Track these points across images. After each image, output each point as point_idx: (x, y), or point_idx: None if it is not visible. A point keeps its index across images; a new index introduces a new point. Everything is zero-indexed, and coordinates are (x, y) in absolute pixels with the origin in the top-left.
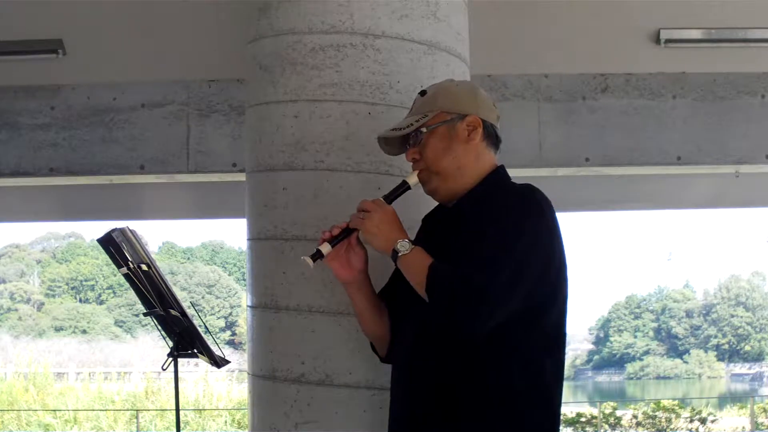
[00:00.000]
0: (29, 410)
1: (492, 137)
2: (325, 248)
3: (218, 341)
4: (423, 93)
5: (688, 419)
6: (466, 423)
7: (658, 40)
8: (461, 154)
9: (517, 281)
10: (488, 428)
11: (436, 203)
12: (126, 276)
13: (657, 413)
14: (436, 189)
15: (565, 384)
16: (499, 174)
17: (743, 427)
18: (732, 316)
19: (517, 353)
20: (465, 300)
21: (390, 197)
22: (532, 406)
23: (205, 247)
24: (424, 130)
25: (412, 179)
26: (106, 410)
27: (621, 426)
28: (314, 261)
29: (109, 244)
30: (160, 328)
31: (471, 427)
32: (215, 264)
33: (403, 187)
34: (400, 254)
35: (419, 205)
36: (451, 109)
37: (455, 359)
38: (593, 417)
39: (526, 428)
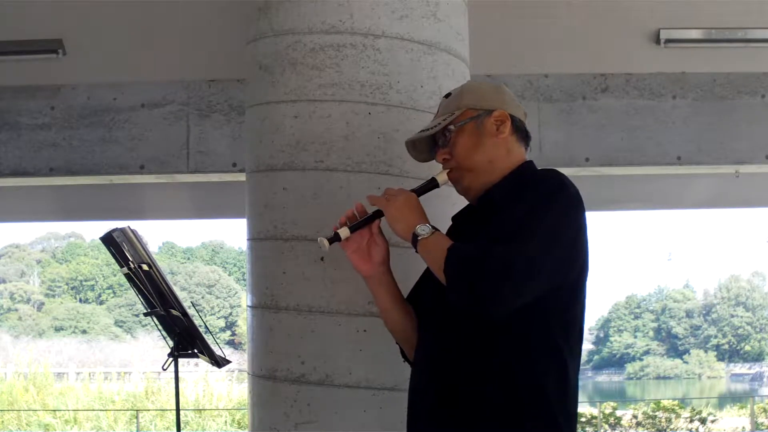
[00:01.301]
0: (29, 410)
1: (521, 132)
2: (344, 232)
3: (218, 341)
4: (448, 95)
5: (688, 419)
6: (490, 423)
7: (658, 40)
8: (491, 149)
9: (545, 252)
10: (514, 428)
11: (463, 204)
12: (127, 276)
13: (657, 413)
14: (468, 187)
15: None
16: (528, 167)
17: (743, 427)
18: (732, 316)
19: (542, 347)
20: (486, 273)
21: (417, 192)
22: (558, 404)
23: (205, 247)
24: (451, 128)
25: (442, 177)
26: (106, 410)
27: (621, 426)
28: (330, 243)
29: (110, 243)
30: (160, 328)
31: (496, 427)
32: (215, 264)
33: (431, 184)
34: (420, 238)
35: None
36: (476, 105)
37: (479, 357)
38: (593, 417)
39: (553, 425)
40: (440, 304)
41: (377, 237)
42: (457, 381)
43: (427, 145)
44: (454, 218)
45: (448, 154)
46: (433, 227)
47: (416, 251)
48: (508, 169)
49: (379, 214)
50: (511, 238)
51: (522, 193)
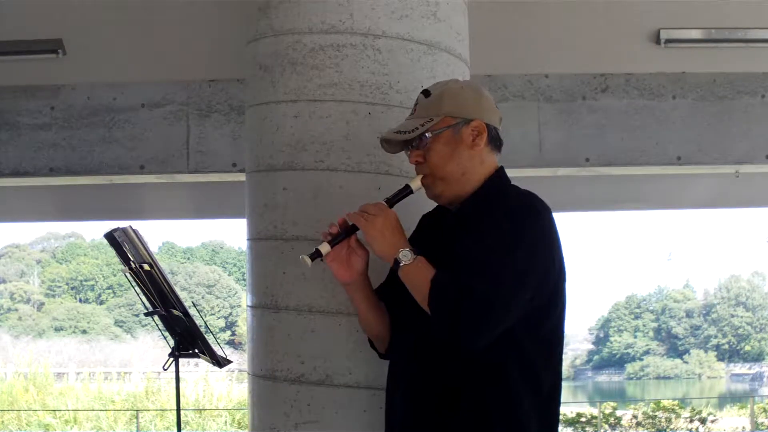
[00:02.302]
0: (29, 410)
1: (495, 140)
2: (324, 248)
3: (218, 341)
4: (427, 93)
5: (688, 419)
6: (465, 429)
7: (658, 40)
8: (466, 160)
9: (518, 290)
10: None
11: (434, 206)
12: (128, 275)
13: (657, 413)
14: (440, 194)
15: (565, 384)
16: (499, 176)
17: (743, 427)
18: (732, 316)
19: (516, 360)
20: (468, 313)
21: (392, 200)
22: (531, 412)
23: (205, 247)
24: (428, 135)
25: (416, 184)
26: (106, 410)
27: (621, 426)
28: (312, 260)
29: (111, 243)
30: (161, 327)
31: None
32: (215, 264)
33: (406, 191)
34: (401, 264)
35: (419, 208)
36: (456, 113)
37: (455, 366)
38: (593, 417)
39: None
40: (416, 318)
41: (357, 248)
42: (433, 392)
43: (400, 141)
44: (422, 219)
45: (421, 157)
46: (414, 252)
47: (396, 273)
48: (480, 179)
49: (356, 228)
50: (486, 272)
51: (496, 212)
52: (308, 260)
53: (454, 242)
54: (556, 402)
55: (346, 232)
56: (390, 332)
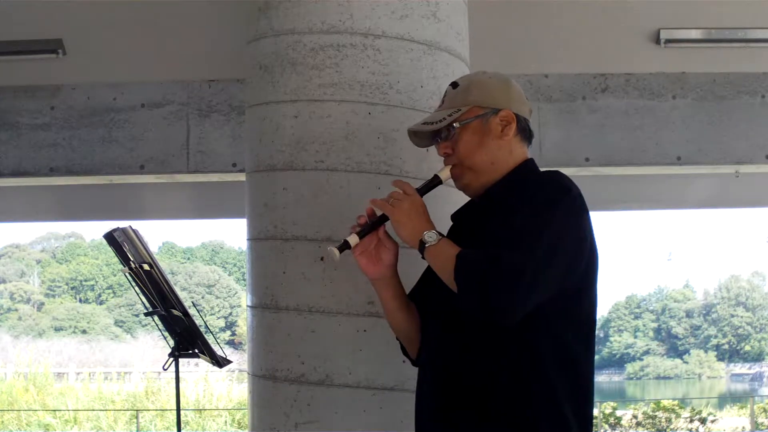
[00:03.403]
0: (29, 410)
1: (525, 131)
2: (353, 239)
3: (218, 341)
4: (455, 85)
5: (688, 419)
6: (500, 421)
7: (658, 40)
8: (495, 150)
9: (551, 260)
10: (523, 426)
11: (463, 201)
12: (128, 275)
13: (657, 413)
14: (468, 184)
15: None
16: (529, 166)
17: (743, 427)
18: (732, 316)
19: (551, 343)
20: (497, 281)
21: (421, 191)
22: (569, 402)
23: (205, 247)
24: (456, 125)
25: (444, 174)
26: (106, 410)
27: (621, 426)
28: (341, 252)
29: (111, 243)
30: (161, 327)
31: (504, 427)
32: (215, 264)
33: (435, 182)
34: (427, 245)
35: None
36: (484, 103)
37: (486, 358)
38: (593, 417)
39: (563, 424)
40: (445, 305)
41: (385, 240)
42: (465, 381)
43: (428, 132)
44: (453, 216)
45: (449, 149)
46: (440, 234)
47: (422, 257)
48: (508, 169)
49: (385, 218)
50: (517, 246)
51: (524, 193)
52: (336, 252)
53: (481, 226)
54: (590, 383)
55: (374, 223)
56: (420, 335)
